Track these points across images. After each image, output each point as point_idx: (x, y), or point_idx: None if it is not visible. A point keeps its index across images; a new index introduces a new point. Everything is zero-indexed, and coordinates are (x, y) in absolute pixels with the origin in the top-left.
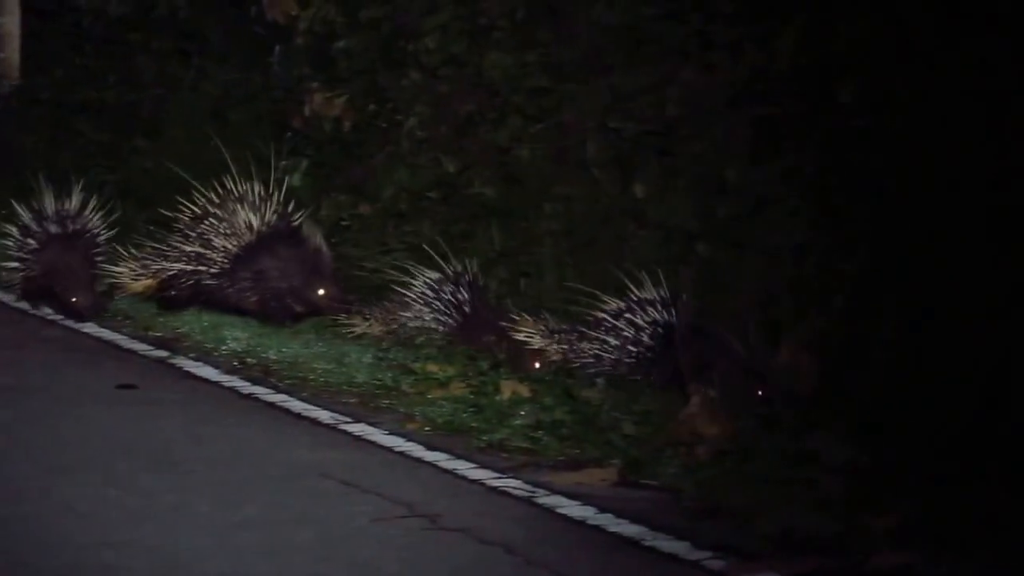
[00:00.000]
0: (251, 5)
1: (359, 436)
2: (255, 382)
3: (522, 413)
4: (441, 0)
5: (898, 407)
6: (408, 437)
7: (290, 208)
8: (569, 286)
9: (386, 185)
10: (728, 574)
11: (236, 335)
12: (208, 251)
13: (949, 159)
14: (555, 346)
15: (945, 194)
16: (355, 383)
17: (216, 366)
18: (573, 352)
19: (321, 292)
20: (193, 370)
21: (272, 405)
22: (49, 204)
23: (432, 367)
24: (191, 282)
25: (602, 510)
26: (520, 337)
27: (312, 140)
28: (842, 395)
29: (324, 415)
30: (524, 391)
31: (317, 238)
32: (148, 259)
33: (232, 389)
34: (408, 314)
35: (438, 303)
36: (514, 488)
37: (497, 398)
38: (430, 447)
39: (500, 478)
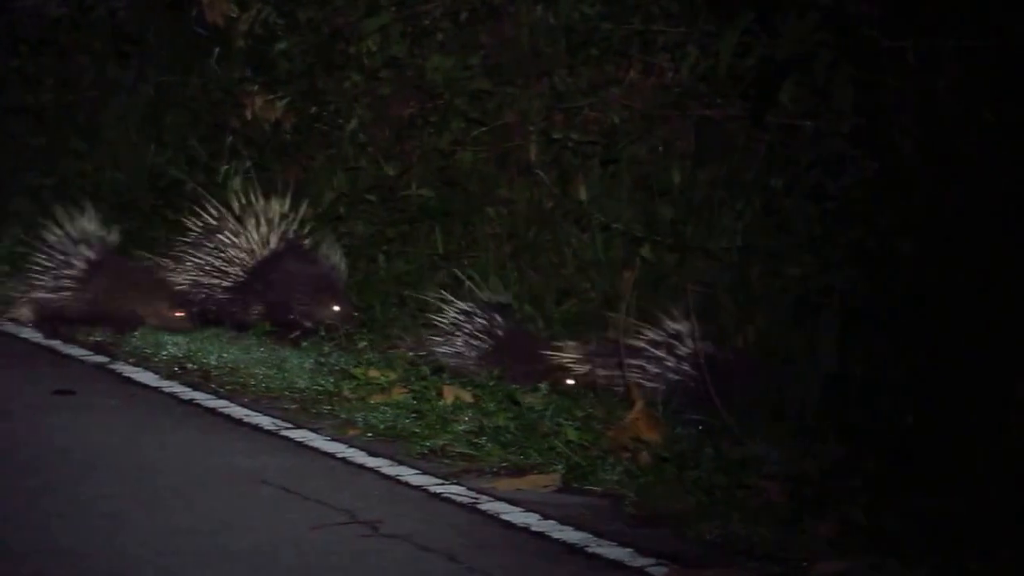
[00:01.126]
0: (190, 7)
1: (300, 442)
2: (194, 388)
3: (464, 419)
4: (382, 1)
5: (841, 412)
6: (349, 443)
7: (306, 228)
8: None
9: (326, 188)
10: None
11: (175, 340)
12: (224, 264)
13: (894, 160)
14: (596, 370)
15: (889, 196)
16: (296, 388)
17: (155, 371)
18: (612, 377)
19: (337, 309)
20: (132, 375)
21: (212, 411)
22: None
23: (373, 372)
24: (202, 295)
25: (545, 516)
26: (562, 362)
27: (252, 143)
28: (785, 400)
29: (264, 421)
30: (466, 397)
31: (335, 256)
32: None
33: (171, 395)
34: (440, 339)
35: (469, 328)
36: (456, 494)
37: (439, 403)
38: (371, 453)
39: (442, 484)
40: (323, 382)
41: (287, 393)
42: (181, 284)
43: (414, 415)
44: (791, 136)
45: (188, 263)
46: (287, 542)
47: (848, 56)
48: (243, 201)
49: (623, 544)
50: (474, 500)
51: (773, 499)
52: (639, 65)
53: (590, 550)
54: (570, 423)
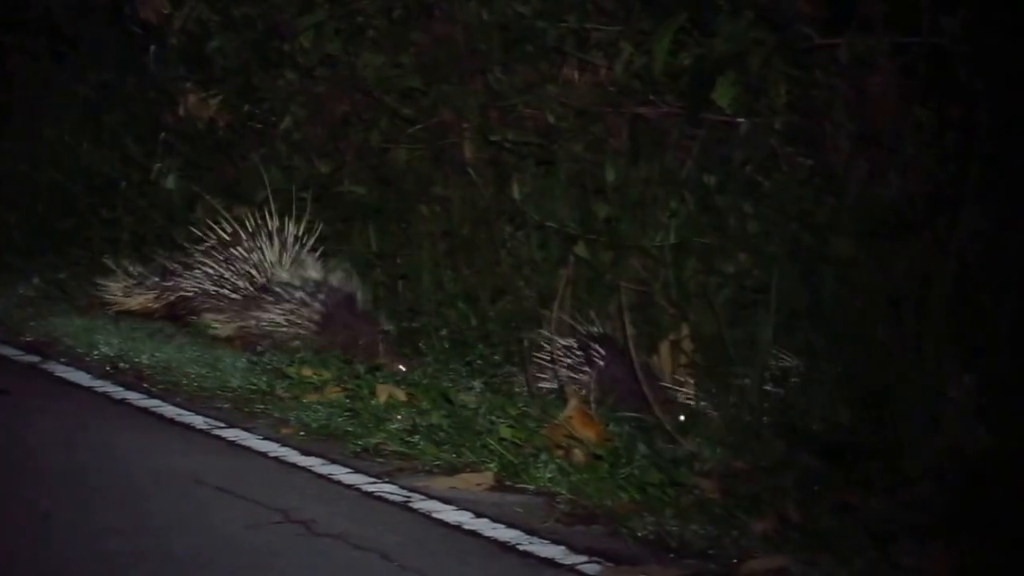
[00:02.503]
0: (124, 4)
1: (233, 441)
2: (127, 387)
3: (398, 417)
4: None
5: (777, 409)
6: (282, 442)
7: (319, 250)
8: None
9: (259, 187)
10: None
11: (109, 340)
12: (234, 276)
13: (828, 157)
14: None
15: (824, 193)
16: (229, 387)
17: (88, 371)
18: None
19: (360, 343)
20: (65, 375)
21: (145, 410)
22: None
23: (307, 371)
24: (207, 305)
25: (478, 515)
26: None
27: (187, 141)
28: (720, 397)
29: (198, 420)
30: (400, 395)
31: (351, 285)
32: (144, 275)
33: (104, 394)
34: (545, 376)
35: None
36: (389, 493)
37: (373, 402)
38: (305, 452)
39: (375, 483)
40: (256, 381)
41: (220, 392)
42: (187, 291)
43: (348, 414)
44: (725, 134)
45: (197, 271)
46: (221, 542)
47: (782, 54)
48: (257, 220)
49: (556, 542)
50: (407, 499)
51: (707, 496)
52: (574, 63)
53: (523, 548)
54: (504, 421)
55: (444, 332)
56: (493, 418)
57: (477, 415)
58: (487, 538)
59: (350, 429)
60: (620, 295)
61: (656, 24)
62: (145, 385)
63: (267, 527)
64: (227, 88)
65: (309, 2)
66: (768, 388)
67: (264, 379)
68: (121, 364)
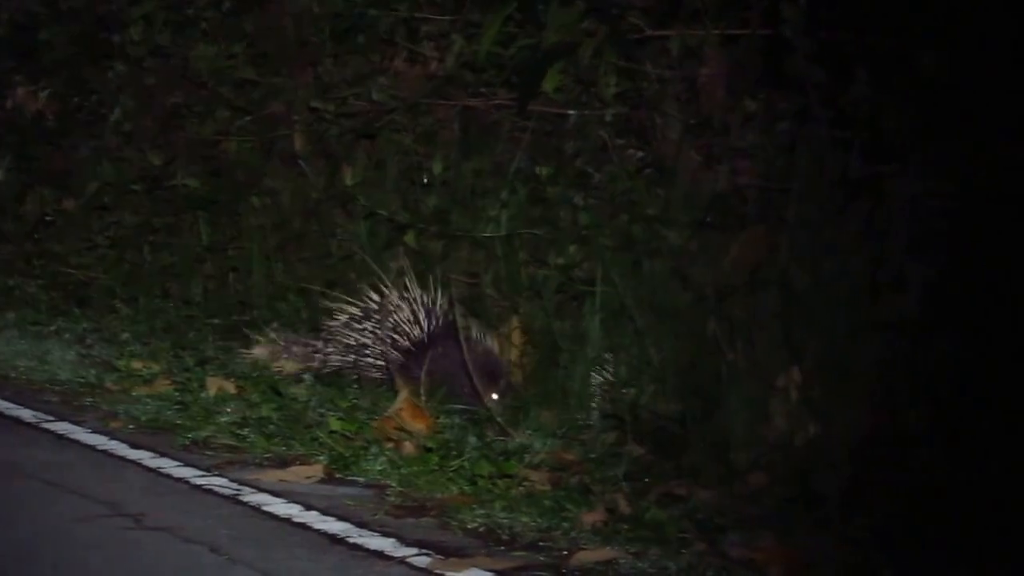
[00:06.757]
0: None
1: (62, 435)
2: None
3: (228, 410)
4: None
5: (604, 400)
6: (111, 435)
7: (452, 306)
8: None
9: (90, 179)
10: (433, 571)
11: None
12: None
13: (658, 148)
14: None
15: (654, 185)
16: (58, 380)
17: None
18: None
19: (495, 397)
20: None
21: None
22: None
23: (136, 364)
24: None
25: (307, 507)
26: None
27: (16, 133)
28: (549, 389)
29: (26, 414)
30: (230, 388)
31: (487, 339)
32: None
33: None
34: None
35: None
36: (219, 486)
37: (203, 395)
38: (134, 445)
39: (205, 476)
40: (86, 374)
41: (49, 386)
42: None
43: (177, 407)
44: (556, 125)
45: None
46: (49, 536)
47: (613, 45)
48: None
49: (386, 534)
50: (237, 491)
51: (537, 488)
52: (404, 54)
53: (352, 540)
54: (334, 413)
55: (275, 325)
56: (323, 410)
57: (307, 408)
58: (317, 531)
59: (180, 422)
60: (450, 287)
61: (486, 15)
62: None
63: (95, 520)
64: (56, 80)
65: None
66: (597, 379)
67: (93, 372)
68: None
